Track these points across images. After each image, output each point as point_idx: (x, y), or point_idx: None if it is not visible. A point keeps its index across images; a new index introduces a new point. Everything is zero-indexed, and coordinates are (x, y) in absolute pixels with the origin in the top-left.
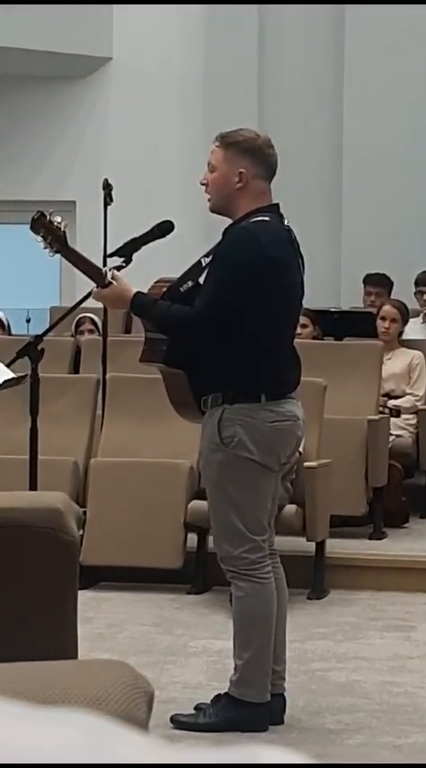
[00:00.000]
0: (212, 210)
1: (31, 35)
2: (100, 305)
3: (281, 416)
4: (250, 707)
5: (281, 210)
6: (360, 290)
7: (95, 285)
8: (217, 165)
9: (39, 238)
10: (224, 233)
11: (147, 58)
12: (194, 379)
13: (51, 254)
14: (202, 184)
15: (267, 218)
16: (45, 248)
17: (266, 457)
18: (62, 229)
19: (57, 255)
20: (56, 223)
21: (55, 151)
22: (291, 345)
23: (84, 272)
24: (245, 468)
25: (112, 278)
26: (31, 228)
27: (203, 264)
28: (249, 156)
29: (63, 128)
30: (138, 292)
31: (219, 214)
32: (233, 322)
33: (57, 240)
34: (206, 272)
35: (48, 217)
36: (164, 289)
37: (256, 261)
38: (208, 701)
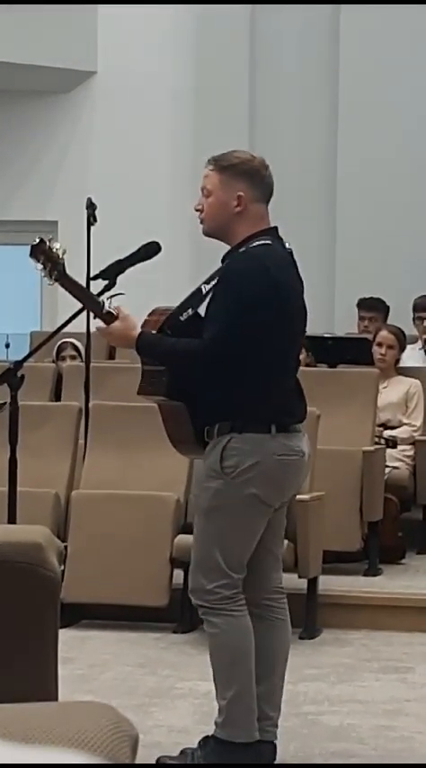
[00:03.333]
0: (206, 234)
1: (12, 47)
2: (82, 329)
3: (289, 450)
4: (238, 748)
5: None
6: (355, 315)
7: (92, 315)
8: (212, 189)
9: (40, 266)
10: (223, 259)
11: (133, 71)
12: (198, 410)
13: (50, 282)
14: (197, 210)
15: (269, 242)
16: (44, 276)
17: (268, 492)
18: (61, 257)
19: (42, 280)
20: (55, 250)
21: (36, 169)
22: (295, 375)
23: (80, 302)
24: (242, 500)
25: (118, 314)
26: (31, 255)
27: (203, 292)
28: (246, 178)
29: (45, 145)
30: (143, 331)
31: (214, 238)
32: (244, 351)
33: (56, 268)
34: (208, 299)
35: (47, 243)
36: (162, 319)
37: (264, 287)
38: (195, 745)
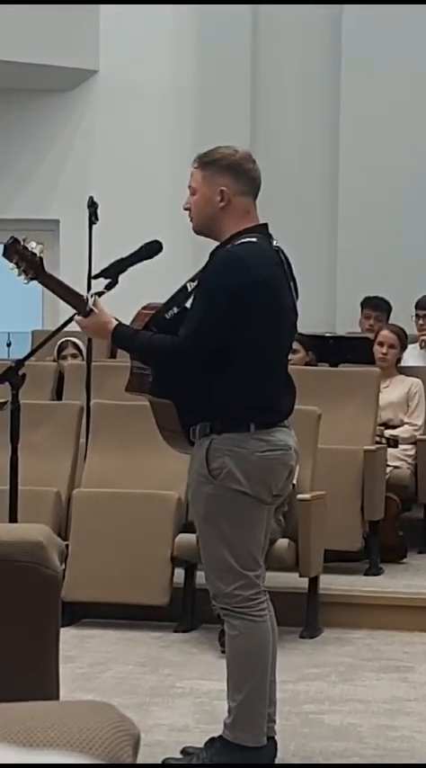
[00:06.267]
0: (196, 232)
1: (14, 46)
2: None
3: (272, 446)
4: (245, 751)
5: (272, 231)
6: (356, 314)
7: (76, 312)
8: (197, 186)
9: (12, 265)
10: (210, 256)
11: (135, 71)
12: (182, 409)
13: (26, 281)
14: (185, 209)
15: (254, 240)
16: (19, 275)
17: (257, 488)
18: (38, 255)
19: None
20: (31, 249)
21: (38, 168)
22: (284, 372)
23: (63, 299)
24: (235, 500)
25: (94, 304)
26: (4, 255)
27: (189, 289)
28: (229, 173)
29: (46, 143)
30: (119, 324)
31: (204, 236)
32: (220, 349)
33: (32, 267)
34: (192, 297)
35: (22, 243)
36: (150, 314)
37: (244, 285)
38: (195, 745)
